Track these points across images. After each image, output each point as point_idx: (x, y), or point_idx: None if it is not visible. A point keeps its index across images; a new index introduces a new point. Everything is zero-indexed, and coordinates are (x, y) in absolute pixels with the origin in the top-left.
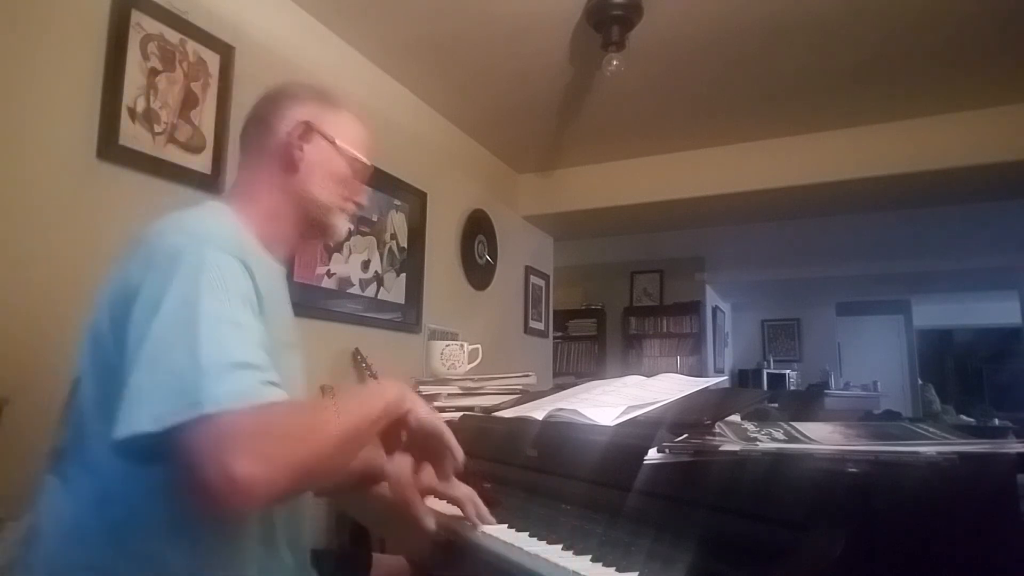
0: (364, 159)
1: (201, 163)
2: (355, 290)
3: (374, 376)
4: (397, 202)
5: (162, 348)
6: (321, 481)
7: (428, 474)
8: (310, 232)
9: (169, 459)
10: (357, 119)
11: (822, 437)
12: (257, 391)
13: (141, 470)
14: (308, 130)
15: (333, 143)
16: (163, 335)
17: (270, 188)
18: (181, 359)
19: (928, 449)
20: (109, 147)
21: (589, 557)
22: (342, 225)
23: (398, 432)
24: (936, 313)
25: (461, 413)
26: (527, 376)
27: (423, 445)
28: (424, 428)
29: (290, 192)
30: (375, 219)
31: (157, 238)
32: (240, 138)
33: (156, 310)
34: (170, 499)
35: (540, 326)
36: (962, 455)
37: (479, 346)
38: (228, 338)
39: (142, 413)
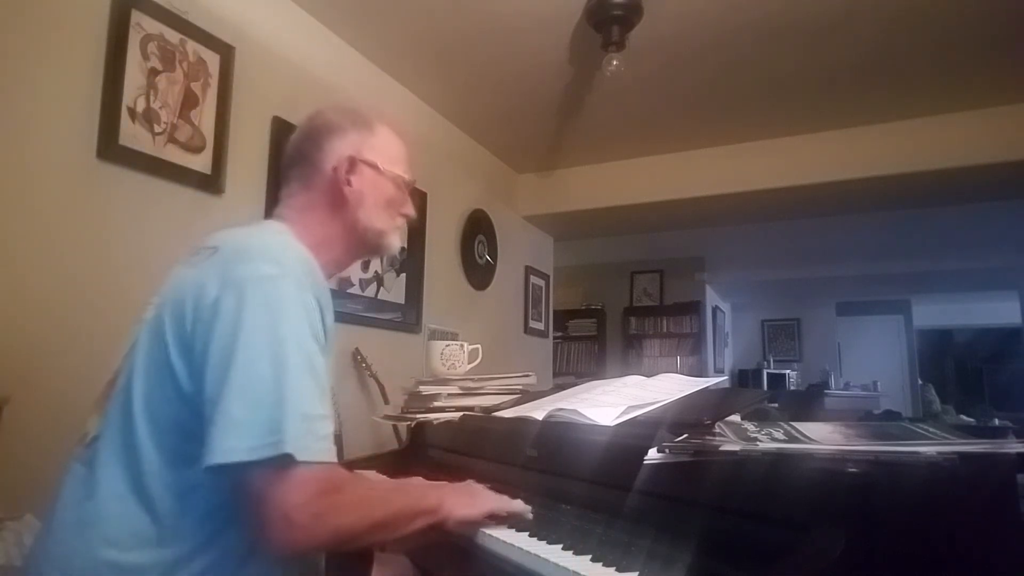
0: (407, 175)
1: (201, 163)
2: (355, 290)
3: (374, 376)
4: None
5: (252, 378)
6: (352, 548)
7: None
8: (365, 254)
9: (234, 486)
10: (393, 133)
11: (822, 437)
12: (324, 449)
13: (180, 472)
14: (353, 163)
15: (377, 168)
16: (253, 365)
17: (322, 220)
18: (269, 395)
19: (928, 449)
20: (109, 147)
21: (589, 557)
22: (396, 242)
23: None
24: (936, 313)
25: (461, 413)
26: (527, 376)
27: None
28: (468, 526)
29: (342, 223)
30: None
31: (242, 259)
32: (282, 169)
33: (241, 334)
34: (203, 504)
35: (540, 326)
36: (962, 455)
37: (479, 346)
38: (307, 385)
39: (239, 444)
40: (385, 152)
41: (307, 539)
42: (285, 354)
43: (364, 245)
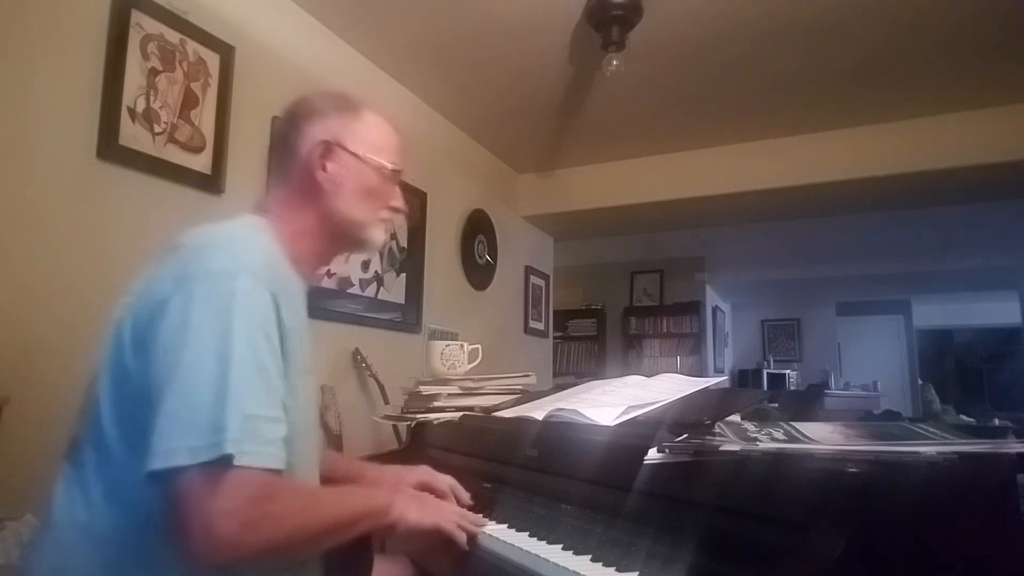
0: (391, 165)
1: (201, 163)
2: (355, 290)
3: (374, 376)
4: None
5: (196, 378)
6: (288, 559)
7: None
8: (345, 248)
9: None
10: (382, 121)
11: (822, 437)
12: (269, 454)
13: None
14: (328, 148)
15: (357, 156)
16: (198, 364)
17: (299, 209)
18: (211, 395)
19: (928, 449)
20: (109, 147)
21: (589, 557)
22: (378, 236)
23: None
24: (936, 313)
25: (461, 413)
26: (527, 376)
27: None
28: (420, 530)
29: (319, 212)
30: None
31: (197, 255)
32: (268, 156)
33: (188, 333)
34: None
35: (540, 326)
36: (962, 455)
37: (479, 346)
38: (253, 385)
39: (180, 446)
40: (368, 139)
41: (232, 550)
42: (230, 353)
43: (343, 237)
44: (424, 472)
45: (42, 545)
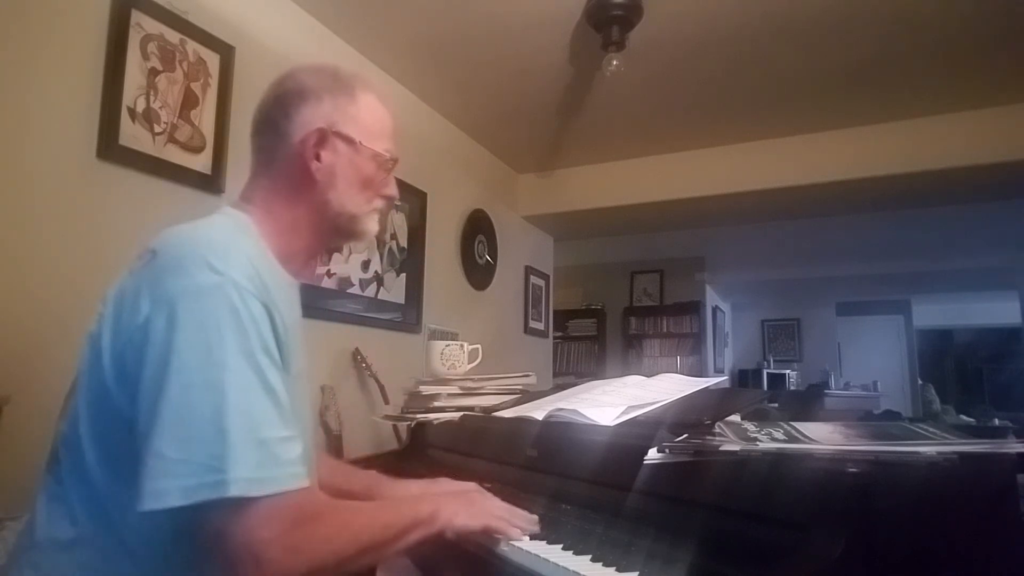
0: (389, 153)
1: (201, 163)
2: (355, 290)
3: (374, 376)
4: (397, 202)
5: (186, 410)
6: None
7: None
8: (337, 240)
9: (193, 524)
10: (376, 102)
11: (822, 437)
12: (290, 475)
13: (133, 491)
14: (324, 137)
15: (353, 143)
16: (186, 395)
17: (288, 201)
18: (207, 428)
19: (928, 449)
20: (109, 147)
21: (589, 557)
22: (372, 226)
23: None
24: (936, 313)
25: (461, 413)
26: (527, 376)
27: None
28: (468, 535)
29: (311, 204)
30: None
31: (175, 268)
32: (251, 138)
33: (173, 361)
34: (173, 528)
35: (540, 326)
36: (962, 455)
37: (479, 346)
38: (260, 407)
39: (171, 486)
40: (365, 124)
41: (289, 574)
42: (224, 379)
43: (336, 230)
44: (446, 485)
45: (22, 564)
